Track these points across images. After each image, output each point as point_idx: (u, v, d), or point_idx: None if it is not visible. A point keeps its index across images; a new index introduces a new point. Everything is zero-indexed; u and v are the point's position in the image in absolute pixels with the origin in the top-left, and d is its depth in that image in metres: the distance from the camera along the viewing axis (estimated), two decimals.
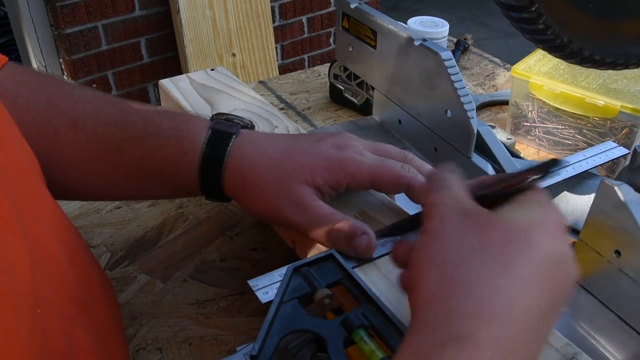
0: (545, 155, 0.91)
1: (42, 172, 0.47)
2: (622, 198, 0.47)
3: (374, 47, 0.75)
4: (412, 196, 0.53)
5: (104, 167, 0.53)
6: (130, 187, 0.54)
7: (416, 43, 0.67)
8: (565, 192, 0.61)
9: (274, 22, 2.01)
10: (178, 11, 1.67)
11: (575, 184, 0.66)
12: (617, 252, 0.49)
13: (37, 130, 0.51)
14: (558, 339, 0.42)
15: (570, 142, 0.89)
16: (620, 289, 0.50)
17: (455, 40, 1.20)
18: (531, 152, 0.92)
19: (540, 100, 0.89)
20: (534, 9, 0.40)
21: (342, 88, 0.97)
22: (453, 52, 1.15)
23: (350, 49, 0.80)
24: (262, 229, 0.72)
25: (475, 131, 0.62)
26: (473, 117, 0.62)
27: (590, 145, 0.89)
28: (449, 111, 0.64)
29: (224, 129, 0.53)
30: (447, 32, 1.13)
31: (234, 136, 0.53)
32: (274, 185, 0.50)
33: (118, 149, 0.52)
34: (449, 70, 0.63)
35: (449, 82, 0.63)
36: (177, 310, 0.62)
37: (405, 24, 1.12)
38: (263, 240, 0.70)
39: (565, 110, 0.87)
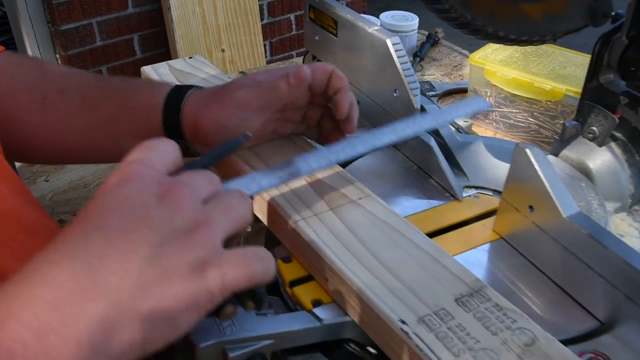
0: (501, 136, 0.98)
1: (30, 138, 0.55)
2: (532, 159, 0.54)
3: (336, 35, 0.82)
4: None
5: (85, 123, 0.60)
6: (106, 140, 0.62)
7: (369, 30, 0.74)
8: (498, 162, 0.68)
9: (262, 19, 2.09)
10: (169, 8, 1.74)
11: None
12: (531, 207, 0.56)
13: (29, 97, 0.60)
14: (468, 275, 0.49)
15: (524, 125, 0.96)
16: (534, 240, 0.57)
17: (427, 33, 1.27)
18: (488, 134, 0.99)
19: (497, 86, 0.97)
20: None
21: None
22: (423, 44, 1.22)
23: (317, 37, 0.87)
24: None
25: (419, 107, 0.69)
26: (417, 95, 0.69)
27: (542, 127, 0.96)
28: (397, 90, 0.71)
29: (187, 85, 0.63)
30: (417, 25, 1.20)
31: (194, 87, 0.62)
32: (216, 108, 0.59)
33: (97, 105, 0.60)
34: (397, 54, 0.70)
35: (397, 65, 0.70)
36: None
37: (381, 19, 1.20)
38: None
39: (520, 96, 0.94)
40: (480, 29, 0.51)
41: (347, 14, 0.79)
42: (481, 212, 0.64)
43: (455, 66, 1.20)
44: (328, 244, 0.52)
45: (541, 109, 0.94)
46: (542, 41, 0.57)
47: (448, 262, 0.50)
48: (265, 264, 0.41)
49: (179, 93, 0.61)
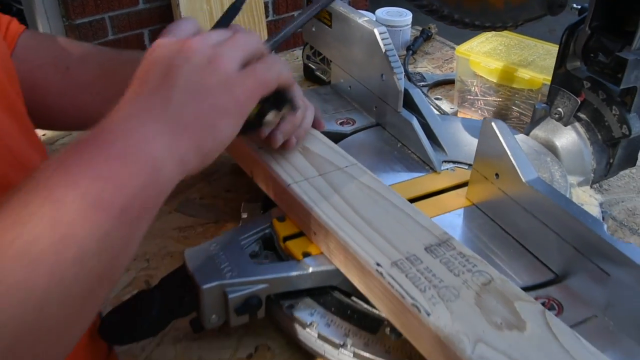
0: None
1: (54, 106, 0.64)
2: (497, 131, 0.62)
3: (330, 26, 0.89)
4: None
5: (104, 89, 0.68)
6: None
7: (359, 21, 0.81)
8: (474, 139, 0.76)
9: (267, 16, 2.16)
10: (178, 5, 1.82)
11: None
12: (497, 175, 0.64)
13: (53, 68, 0.68)
14: (438, 229, 0.57)
15: (506, 112, 1.03)
16: (500, 204, 0.64)
17: (420, 28, 1.34)
18: None
19: (482, 76, 1.04)
20: None
21: (314, 67, 1.12)
22: (416, 38, 1.29)
23: (314, 29, 0.95)
24: (235, 176, 0.87)
25: (402, 90, 0.76)
26: (400, 79, 0.76)
27: (523, 114, 1.03)
28: (383, 75, 0.79)
29: None
30: (410, 20, 1.27)
31: None
32: None
33: (114, 72, 0.68)
34: (383, 42, 0.78)
35: (383, 52, 0.78)
36: (163, 234, 0.77)
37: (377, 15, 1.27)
38: (235, 184, 0.85)
39: (503, 85, 1.02)
40: (447, 16, 0.58)
41: (341, 7, 0.86)
42: (456, 182, 0.72)
43: (447, 60, 1.27)
44: (317, 203, 0.60)
45: (522, 97, 1.01)
46: (504, 27, 0.65)
47: (420, 219, 0.58)
48: (277, 66, 0.52)
49: None
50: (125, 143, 0.43)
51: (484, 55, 1.02)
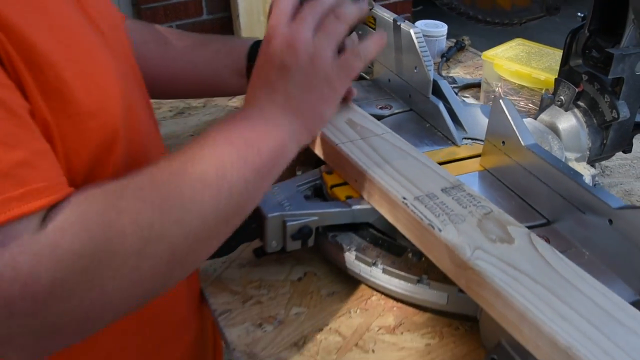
0: None
1: (154, 75, 0.83)
2: (503, 106, 0.78)
3: (374, 29, 1.06)
4: None
5: (196, 58, 0.88)
6: (210, 72, 0.88)
7: (399, 23, 0.98)
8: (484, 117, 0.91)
9: None
10: (238, 16, 2.03)
11: None
12: (503, 142, 0.79)
13: (155, 44, 0.87)
14: (452, 177, 0.73)
15: (525, 110, 1.18)
16: (505, 166, 0.80)
17: (454, 40, 1.50)
18: None
19: (505, 79, 1.20)
20: None
21: (366, 77, 1.28)
22: (450, 47, 1.45)
23: (360, 32, 1.12)
24: None
25: (431, 80, 0.92)
26: (430, 71, 0.93)
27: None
28: (416, 67, 0.95)
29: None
30: (446, 32, 1.44)
31: None
32: None
33: (206, 44, 0.88)
34: (417, 40, 0.94)
35: (417, 48, 0.94)
36: None
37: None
38: None
39: (523, 86, 1.17)
40: (463, 13, 0.74)
41: (384, 13, 1.03)
42: (473, 154, 0.87)
43: (477, 67, 1.43)
44: (358, 157, 0.76)
45: (539, 96, 1.16)
46: (510, 24, 0.80)
47: (439, 170, 0.74)
48: (364, 49, 0.68)
49: (258, 42, 0.89)
50: (264, 126, 0.62)
51: (507, 59, 1.18)
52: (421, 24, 1.45)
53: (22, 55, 0.48)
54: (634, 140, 1.11)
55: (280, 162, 0.63)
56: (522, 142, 0.76)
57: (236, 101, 1.27)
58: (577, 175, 0.70)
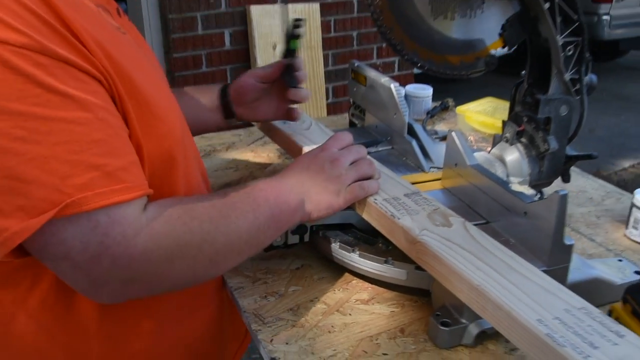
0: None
1: None
2: (455, 137, 1.02)
3: (365, 85, 1.32)
4: None
5: (181, 100, 1.11)
6: (191, 111, 1.09)
7: (383, 80, 1.24)
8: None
9: (326, 66, 2.64)
10: (254, 47, 2.36)
11: None
12: (456, 164, 1.03)
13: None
14: (413, 188, 0.96)
15: None
16: (457, 183, 1.03)
17: (440, 101, 1.76)
18: None
19: (475, 129, 1.45)
20: (383, 31, 0.96)
21: (356, 122, 1.54)
22: (435, 107, 1.71)
23: (355, 89, 1.38)
24: None
25: (406, 122, 1.17)
26: (406, 115, 1.18)
27: None
28: (395, 114, 1.20)
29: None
30: (431, 93, 1.70)
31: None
32: None
33: (185, 92, 1.13)
34: (396, 93, 1.20)
35: (396, 99, 1.19)
36: None
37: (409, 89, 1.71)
38: None
39: (488, 133, 1.42)
40: (421, 66, 0.99)
41: (371, 72, 1.29)
42: (437, 177, 1.11)
43: (457, 124, 1.68)
44: None
45: None
46: (459, 77, 1.05)
47: (405, 183, 0.98)
48: (368, 165, 0.95)
49: (226, 85, 1.17)
50: (284, 197, 0.85)
51: (476, 112, 1.43)
52: (410, 87, 1.71)
53: (128, 93, 0.72)
54: (577, 176, 1.35)
55: (290, 220, 0.87)
56: (467, 163, 0.99)
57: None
58: (505, 183, 0.93)
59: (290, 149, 1.19)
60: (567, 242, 0.85)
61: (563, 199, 0.83)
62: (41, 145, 0.62)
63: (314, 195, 0.88)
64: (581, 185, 1.36)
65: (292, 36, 1.12)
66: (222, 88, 1.17)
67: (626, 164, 4.34)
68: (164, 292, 0.79)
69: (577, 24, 1.02)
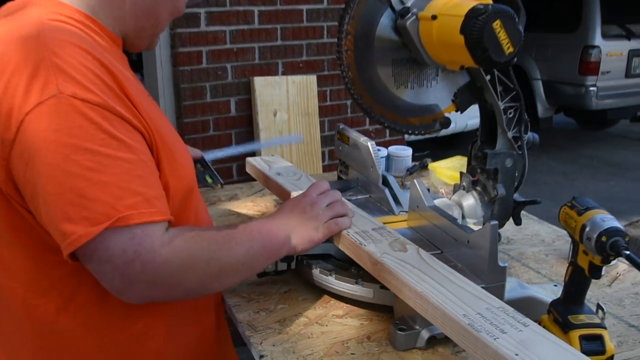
0: None
1: None
2: (417, 184, 1.24)
3: (348, 144, 1.55)
4: None
5: None
6: None
7: (361, 140, 1.47)
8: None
9: (322, 132, 2.88)
10: (257, 114, 2.61)
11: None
12: (417, 206, 1.24)
13: None
14: (379, 224, 1.17)
15: None
16: (419, 221, 1.24)
17: (420, 161, 1.99)
18: None
19: (445, 182, 1.66)
20: (355, 98, 1.20)
21: (343, 177, 1.77)
22: (414, 165, 1.94)
23: (340, 147, 1.61)
24: None
25: (381, 174, 1.39)
26: (380, 168, 1.40)
27: None
28: (372, 167, 1.43)
29: None
30: (410, 153, 1.93)
31: None
32: None
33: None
34: (372, 150, 1.42)
35: (372, 155, 1.42)
36: None
37: (387, 150, 1.94)
38: None
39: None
40: (387, 126, 1.22)
41: (353, 133, 1.53)
42: (404, 219, 1.32)
43: (430, 179, 1.90)
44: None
45: None
46: (419, 134, 1.27)
47: (374, 220, 1.19)
48: (343, 206, 1.16)
49: None
50: (274, 233, 1.05)
51: (445, 168, 1.66)
52: (392, 148, 1.95)
53: (160, 143, 0.95)
54: (534, 222, 1.57)
55: (279, 251, 1.06)
56: (426, 204, 1.21)
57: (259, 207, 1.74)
58: (453, 219, 1.15)
59: (282, 195, 1.42)
60: (501, 264, 1.06)
61: (494, 227, 1.03)
62: (103, 174, 0.84)
63: (297, 232, 1.09)
64: (536, 229, 1.56)
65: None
66: None
67: None
68: (178, 299, 1.00)
69: (514, 92, 1.26)
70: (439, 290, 0.93)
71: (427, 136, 1.75)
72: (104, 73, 0.88)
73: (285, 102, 2.71)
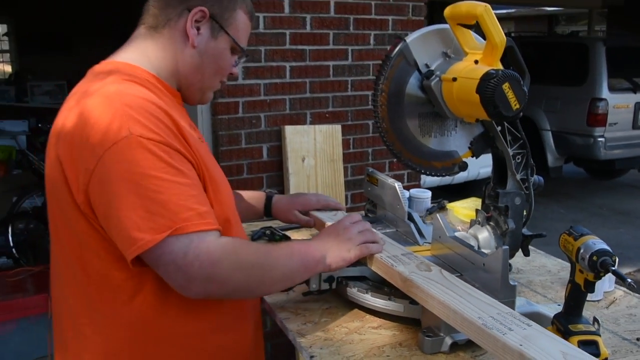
0: None
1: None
2: (439, 218, 1.45)
3: (377, 185, 1.78)
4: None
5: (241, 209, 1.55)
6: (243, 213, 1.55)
7: (388, 181, 1.70)
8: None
9: (345, 177, 3.11)
10: (287, 159, 2.87)
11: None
12: (439, 237, 1.46)
13: None
14: (406, 250, 1.39)
15: None
16: (441, 250, 1.45)
17: (437, 201, 2.21)
18: None
19: (461, 220, 1.88)
20: (387, 144, 1.43)
21: (370, 215, 1.99)
22: (433, 205, 2.16)
23: (369, 188, 1.84)
24: None
25: (406, 211, 1.62)
26: (406, 205, 1.62)
27: None
28: (398, 205, 1.65)
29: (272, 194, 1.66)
30: (430, 196, 2.16)
31: (275, 193, 1.64)
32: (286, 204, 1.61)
33: (242, 199, 1.59)
34: (398, 189, 1.64)
35: (399, 194, 1.64)
36: None
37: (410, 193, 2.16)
38: None
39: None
40: (413, 168, 1.45)
41: (381, 176, 1.75)
42: (427, 249, 1.53)
43: (448, 217, 2.12)
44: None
45: None
46: (440, 175, 1.50)
47: (402, 246, 1.40)
48: (374, 234, 1.39)
49: (270, 197, 1.64)
50: (310, 252, 1.27)
51: (461, 207, 1.87)
52: (414, 191, 2.17)
53: (206, 174, 1.18)
54: (541, 256, 1.77)
55: (315, 267, 1.28)
56: (447, 234, 1.43)
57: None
58: (471, 246, 1.36)
59: (319, 227, 1.64)
60: (512, 283, 1.27)
61: (505, 251, 1.25)
62: (164, 195, 1.07)
63: (332, 252, 1.30)
64: (543, 262, 1.77)
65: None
66: (266, 202, 1.70)
67: (624, 271, 4.68)
68: (228, 296, 1.21)
69: (521, 141, 1.48)
70: (459, 300, 1.14)
71: (442, 183, 1.96)
72: (164, 117, 1.12)
73: (313, 149, 2.96)
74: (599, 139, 6.22)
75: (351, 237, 1.34)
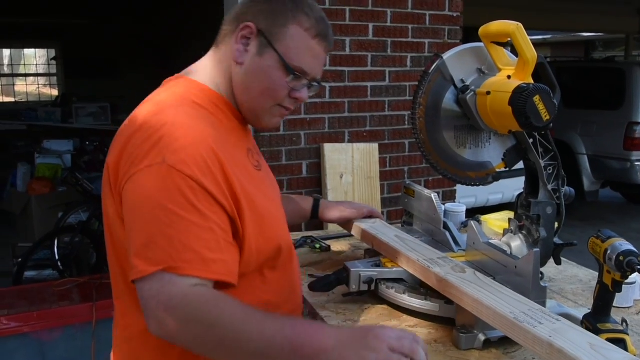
0: None
1: None
2: (473, 225, 1.53)
3: (413, 197, 1.86)
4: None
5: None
6: (292, 220, 1.61)
7: (425, 192, 1.78)
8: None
9: (382, 194, 3.20)
10: (325, 176, 2.96)
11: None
12: (474, 243, 1.53)
13: None
14: (442, 254, 1.47)
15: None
16: (476, 256, 1.53)
17: (472, 216, 2.28)
18: None
19: (495, 230, 1.95)
20: (425, 155, 1.52)
21: (408, 226, 2.07)
22: (467, 220, 2.23)
23: (406, 200, 1.92)
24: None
25: (442, 220, 1.70)
26: (441, 213, 1.70)
27: None
28: (435, 215, 1.73)
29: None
30: (464, 210, 2.23)
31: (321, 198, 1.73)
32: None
33: (289, 202, 1.67)
34: (435, 200, 1.73)
35: (435, 205, 1.72)
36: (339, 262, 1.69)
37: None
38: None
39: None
40: (450, 178, 1.53)
41: (418, 188, 1.84)
42: (462, 255, 1.61)
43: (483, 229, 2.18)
44: (401, 246, 1.52)
45: None
46: (475, 185, 1.57)
47: (437, 250, 1.48)
48: (416, 346, 1.03)
49: (318, 200, 1.72)
50: (311, 342, 1.03)
51: (495, 219, 1.94)
52: (449, 205, 2.25)
53: (249, 212, 1.14)
54: (574, 267, 1.83)
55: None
56: (481, 240, 1.50)
57: None
58: (504, 251, 1.43)
59: (347, 226, 1.73)
60: (543, 284, 1.34)
61: (536, 254, 1.32)
62: (173, 230, 1.04)
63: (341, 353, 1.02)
64: (575, 272, 1.83)
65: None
66: (314, 205, 1.76)
67: None
68: (187, 348, 1.08)
69: (552, 153, 1.56)
70: (491, 298, 1.22)
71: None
72: (208, 153, 1.09)
73: (351, 167, 3.06)
74: (636, 164, 6.18)
75: (377, 348, 1.01)
